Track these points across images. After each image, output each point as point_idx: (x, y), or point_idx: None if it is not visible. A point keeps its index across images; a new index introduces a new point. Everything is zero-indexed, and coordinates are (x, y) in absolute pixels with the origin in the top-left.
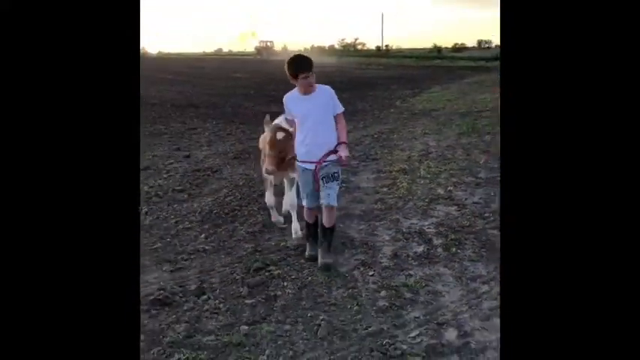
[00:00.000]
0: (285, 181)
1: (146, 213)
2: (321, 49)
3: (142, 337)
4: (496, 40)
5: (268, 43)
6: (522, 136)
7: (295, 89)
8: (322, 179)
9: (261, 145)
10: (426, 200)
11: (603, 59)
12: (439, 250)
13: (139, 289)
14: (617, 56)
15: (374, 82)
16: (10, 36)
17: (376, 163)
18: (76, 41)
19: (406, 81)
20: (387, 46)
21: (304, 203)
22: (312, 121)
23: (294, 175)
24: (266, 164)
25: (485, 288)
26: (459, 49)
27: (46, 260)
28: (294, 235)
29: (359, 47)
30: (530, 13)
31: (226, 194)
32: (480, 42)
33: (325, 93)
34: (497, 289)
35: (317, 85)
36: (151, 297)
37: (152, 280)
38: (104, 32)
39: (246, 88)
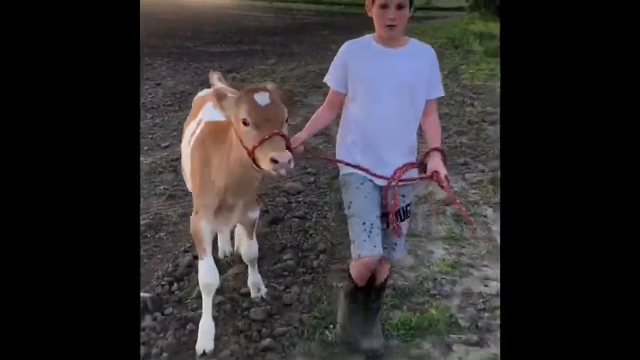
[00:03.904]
0: (239, 226)
1: (149, 117)
2: None
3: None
4: None
5: None
6: (522, 135)
7: (368, 37)
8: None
9: (188, 149)
10: None
11: (603, 56)
12: None
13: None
14: (617, 52)
15: (304, 28)
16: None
17: (316, 92)
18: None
19: (337, 28)
20: None
21: (356, 250)
22: (388, 96)
23: (256, 213)
24: (274, 153)
25: None
26: None
27: (44, 224)
28: (253, 295)
29: None
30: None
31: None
32: None
33: (424, 53)
34: None
35: (409, 38)
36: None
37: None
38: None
39: (181, 30)
